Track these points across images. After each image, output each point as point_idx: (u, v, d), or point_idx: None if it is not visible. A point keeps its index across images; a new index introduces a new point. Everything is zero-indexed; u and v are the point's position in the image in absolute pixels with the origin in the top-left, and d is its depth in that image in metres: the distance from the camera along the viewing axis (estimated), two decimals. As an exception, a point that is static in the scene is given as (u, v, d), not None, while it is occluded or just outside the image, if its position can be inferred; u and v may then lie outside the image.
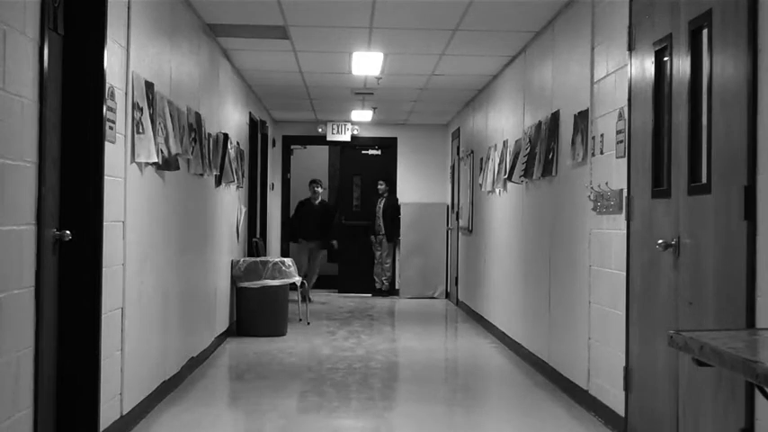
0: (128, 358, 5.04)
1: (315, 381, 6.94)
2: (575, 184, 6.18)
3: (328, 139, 14.04)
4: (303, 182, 15.51)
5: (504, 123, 9.06)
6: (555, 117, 6.71)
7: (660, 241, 4.40)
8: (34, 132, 3.61)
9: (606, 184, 5.42)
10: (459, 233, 12.50)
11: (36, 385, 3.65)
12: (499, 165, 9.03)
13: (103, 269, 4.50)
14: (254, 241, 10.84)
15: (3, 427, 3.34)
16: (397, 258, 14.08)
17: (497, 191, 9.23)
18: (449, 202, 13.78)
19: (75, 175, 4.35)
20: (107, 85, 4.51)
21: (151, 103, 5.32)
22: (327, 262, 15.42)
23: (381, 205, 13.85)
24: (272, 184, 13.67)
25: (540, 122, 7.19)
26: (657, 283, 4.57)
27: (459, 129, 12.64)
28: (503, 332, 8.84)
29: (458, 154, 12.66)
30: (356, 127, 14.03)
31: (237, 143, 9.30)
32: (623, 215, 5.12)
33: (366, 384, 6.79)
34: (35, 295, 3.61)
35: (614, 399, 5.25)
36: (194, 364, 7.02)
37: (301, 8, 6.87)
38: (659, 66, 4.59)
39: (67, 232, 4.19)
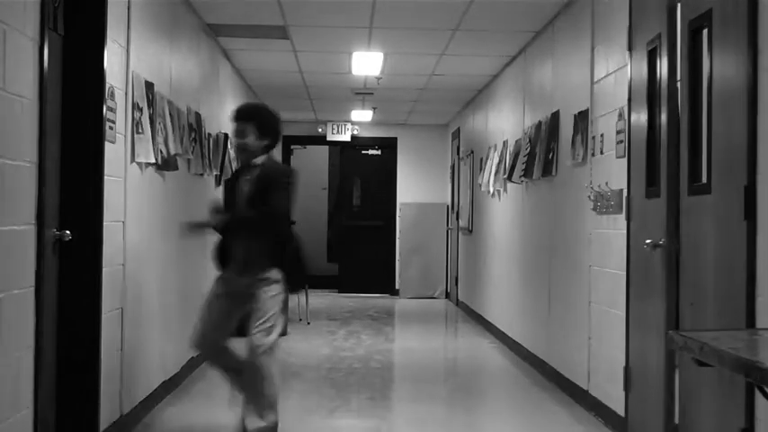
0: (128, 358, 5.04)
1: (315, 381, 6.95)
2: (575, 184, 6.18)
3: (328, 139, 14.04)
4: (303, 182, 15.49)
5: (504, 123, 9.06)
6: (555, 117, 6.71)
7: (660, 241, 4.41)
8: (34, 132, 3.60)
9: (606, 184, 5.42)
10: (459, 233, 12.50)
11: (36, 385, 3.65)
12: (499, 165, 9.03)
13: (103, 269, 4.50)
14: (254, 241, 10.82)
15: (3, 427, 3.33)
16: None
17: (497, 191, 9.23)
18: (449, 202, 13.78)
19: (75, 175, 4.35)
20: (107, 85, 4.51)
21: (151, 103, 5.32)
22: (327, 262, 15.43)
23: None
24: (272, 184, 13.64)
25: (540, 122, 7.19)
26: (657, 284, 4.57)
27: (459, 129, 12.64)
28: (503, 332, 8.84)
29: (458, 154, 12.66)
30: (356, 127, 14.03)
31: (237, 143, 9.29)
32: (623, 215, 5.12)
33: (366, 384, 6.79)
34: (35, 295, 3.61)
35: (614, 399, 5.25)
36: (194, 364, 7.02)
37: (301, 8, 6.87)
38: (651, 65, 4.61)
39: (67, 232, 4.19)
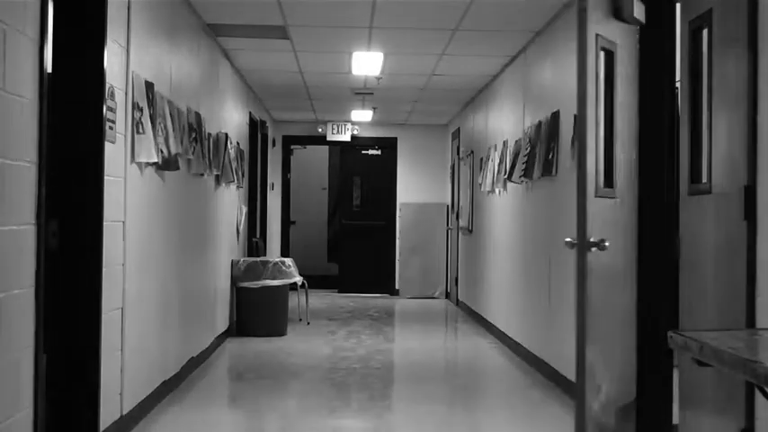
0: (128, 358, 5.04)
1: (315, 381, 6.95)
2: (575, 185, 6.16)
3: (328, 139, 14.04)
4: (303, 182, 15.55)
5: (504, 123, 9.06)
6: (555, 117, 6.71)
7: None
8: (34, 132, 3.60)
9: (606, 184, 5.41)
10: (459, 233, 12.50)
11: (36, 385, 3.65)
12: (499, 165, 9.03)
13: (103, 269, 4.50)
14: (254, 241, 10.84)
15: (3, 426, 3.33)
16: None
17: (497, 191, 9.23)
18: (449, 202, 13.78)
19: (75, 175, 4.35)
20: (107, 85, 4.51)
21: (151, 103, 5.32)
22: (327, 262, 15.46)
23: None
24: (272, 184, 13.67)
25: (540, 122, 7.19)
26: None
27: (459, 129, 12.64)
28: (503, 332, 8.84)
29: (458, 154, 12.66)
30: (356, 127, 14.04)
31: (237, 143, 9.30)
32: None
33: (366, 384, 6.79)
34: (35, 295, 3.61)
35: (614, 399, 5.25)
36: (194, 364, 7.02)
37: (301, 8, 6.87)
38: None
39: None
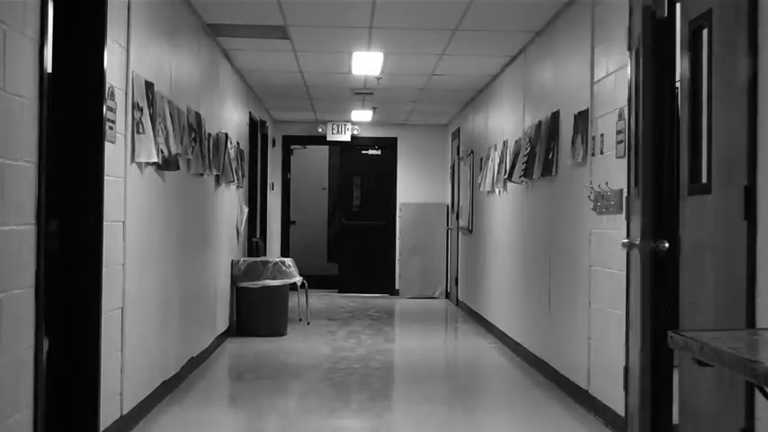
0: (128, 358, 5.04)
1: (315, 381, 6.95)
2: (575, 184, 6.18)
3: (328, 139, 14.04)
4: (303, 182, 15.56)
5: (504, 123, 9.06)
6: (555, 117, 6.71)
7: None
8: (34, 132, 3.60)
9: (606, 184, 5.42)
10: (459, 233, 12.50)
11: (36, 385, 3.65)
12: (499, 165, 9.04)
13: (103, 269, 4.50)
14: (254, 241, 10.84)
15: (3, 427, 3.33)
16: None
17: (497, 191, 9.23)
18: (449, 202, 13.78)
19: (75, 175, 4.35)
20: (107, 85, 4.51)
21: (151, 103, 5.32)
22: (327, 262, 15.47)
23: None
24: (272, 184, 13.67)
25: (540, 122, 7.19)
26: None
27: (459, 129, 12.64)
28: (503, 332, 8.84)
29: (458, 154, 12.66)
30: (356, 127, 14.04)
31: (237, 143, 9.30)
32: (623, 215, 5.12)
33: (366, 384, 6.79)
34: (35, 295, 3.61)
35: (614, 399, 5.25)
36: (194, 364, 7.02)
37: (301, 8, 6.87)
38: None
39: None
